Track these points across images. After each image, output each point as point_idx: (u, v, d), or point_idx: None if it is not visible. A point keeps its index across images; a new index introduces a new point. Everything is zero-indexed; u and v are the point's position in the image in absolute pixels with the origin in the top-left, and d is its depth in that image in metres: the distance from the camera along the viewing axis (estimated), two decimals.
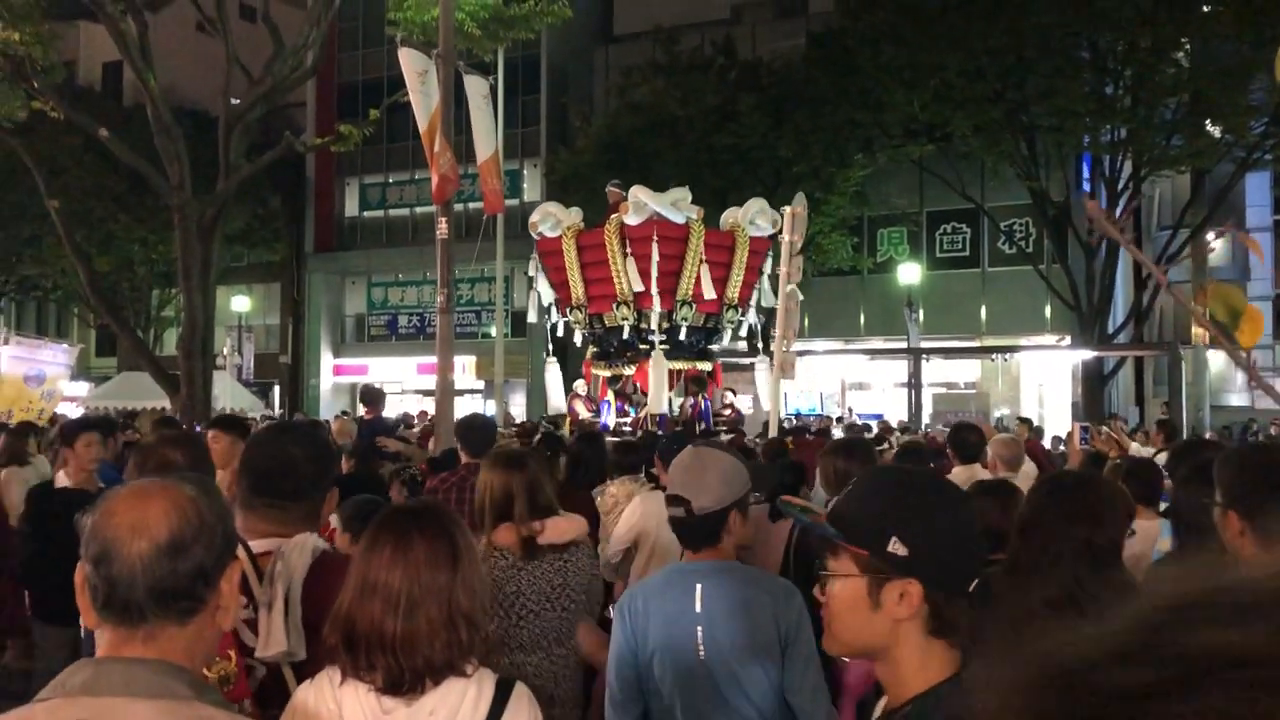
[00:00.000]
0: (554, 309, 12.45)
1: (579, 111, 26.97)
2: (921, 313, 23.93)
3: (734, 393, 13.11)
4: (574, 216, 12.08)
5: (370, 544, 2.06)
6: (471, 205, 25.41)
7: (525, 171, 30.71)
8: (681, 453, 2.82)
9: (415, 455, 8.06)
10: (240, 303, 28.91)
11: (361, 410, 11.10)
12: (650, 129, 23.05)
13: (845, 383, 27.11)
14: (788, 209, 8.82)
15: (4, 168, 21.21)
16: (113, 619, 1.47)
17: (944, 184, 23.08)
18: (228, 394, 20.21)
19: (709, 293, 11.40)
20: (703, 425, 11.00)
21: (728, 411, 12.31)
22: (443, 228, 9.30)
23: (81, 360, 23.28)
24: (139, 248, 28.34)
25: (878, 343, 26.04)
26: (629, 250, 11.23)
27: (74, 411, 19.96)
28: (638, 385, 11.79)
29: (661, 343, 11.45)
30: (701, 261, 11.39)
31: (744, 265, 11.88)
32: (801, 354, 13.44)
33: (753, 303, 12.34)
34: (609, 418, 11.43)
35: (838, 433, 12.68)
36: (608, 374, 12.00)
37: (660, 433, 8.92)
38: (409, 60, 8.84)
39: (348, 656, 1.98)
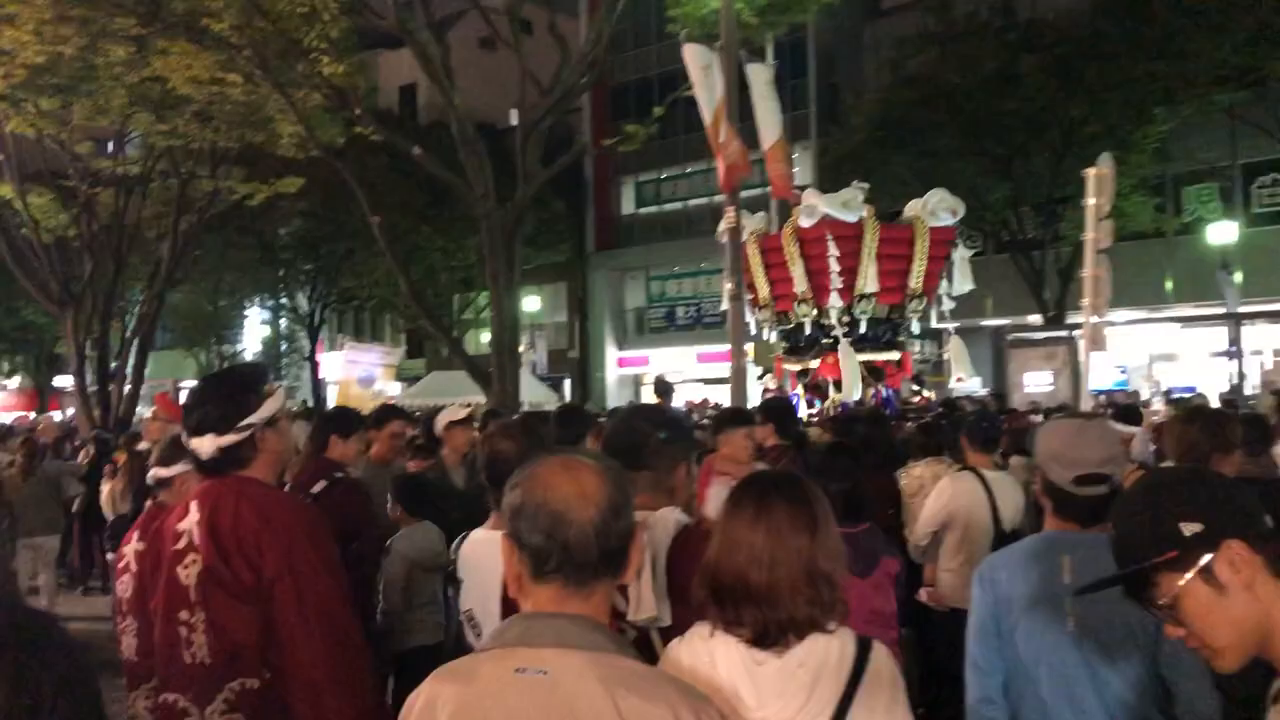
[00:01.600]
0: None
1: (850, 90, 26.50)
2: (1239, 275, 21.87)
3: (922, 383, 13.26)
4: (757, 222, 12.69)
5: (733, 506, 2.18)
6: (744, 194, 25.58)
7: (796, 155, 30.58)
8: (1068, 427, 2.74)
9: (709, 441, 8.26)
10: (531, 303, 30.50)
11: (655, 400, 11.64)
12: (925, 101, 22.29)
13: (1152, 355, 25.25)
14: (1091, 171, 8.41)
15: (323, 190, 23.36)
16: (560, 579, 1.65)
17: (1261, 132, 20.94)
18: (525, 388, 21.39)
19: (871, 285, 11.82)
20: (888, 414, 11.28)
21: (917, 399, 12.49)
22: (730, 216, 9.45)
23: None
24: (440, 256, 30.43)
25: (1187, 310, 24.06)
26: (803, 251, 11.79)
27: None
28: (826, 378, 12.25)
29: (845, 335, 11.96)
30: (878, 256, 11.79)
31: (926, 255, 12.17)
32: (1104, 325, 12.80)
33: (940, 291, 12.60)
34: (799, 409, 11.73)
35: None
36: (796, 368, 12.51)
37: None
38: (692, 55, 9.04)
39: (717, 609, 2.10)
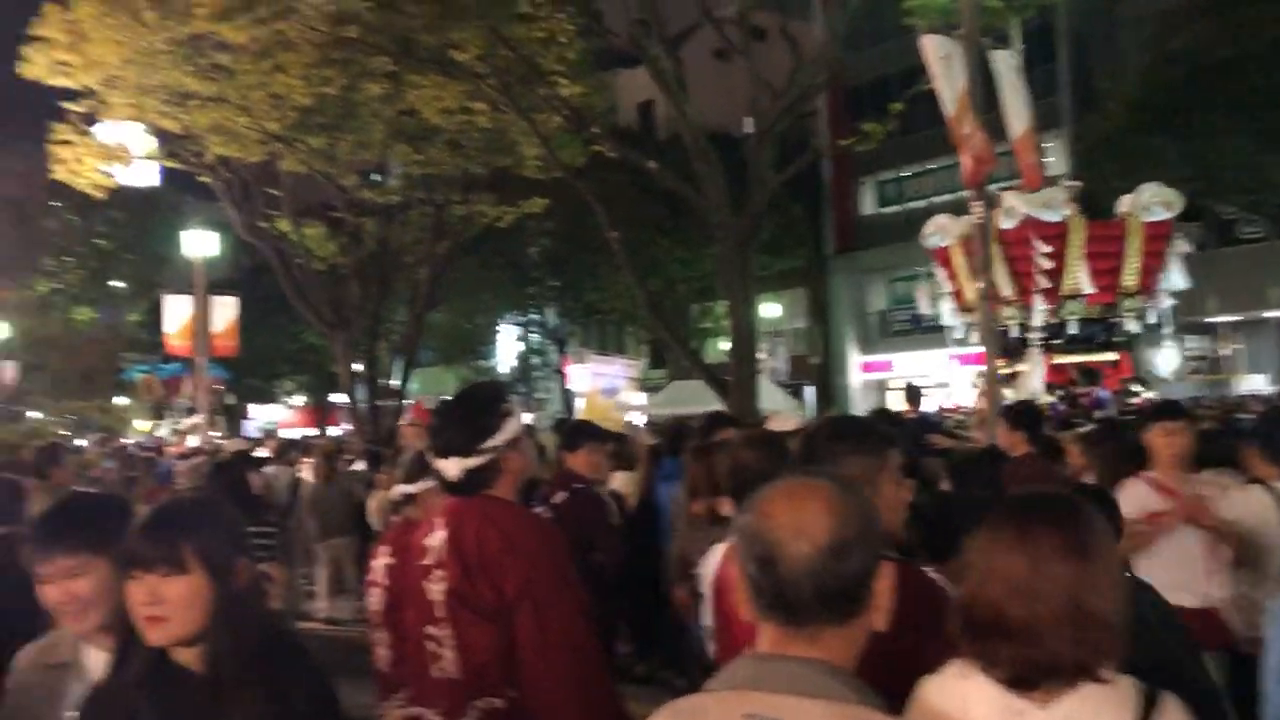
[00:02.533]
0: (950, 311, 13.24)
1: (1105, 72, 24.89)
2: None
3: (1143, 384, 12.55)
4: (961, 226, 12.34)
5: (992, 530, 1.98)
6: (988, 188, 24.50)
7: (1049, 145, 28.99)
8: None
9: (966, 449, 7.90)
10: (771, 309, 30.33)
11: (906, 407, 11.31)
12: (1193, 77, 20.61)
13: None
14: None
15: (567, 208, 24.13)
16: (778, 618, 1.53)
17: None
18: (765, 396, 21.23)
19: (1086, 287, 11.39)
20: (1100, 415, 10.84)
21: (1136, 400, 11.81)
22: (978, 211, 9.03)
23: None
24: (678, 267, 30.81)
25: None
26: (1006, 254, 11.48)
27: (639, 419, 22.18)
28: None
29: (1052, 338, 11.74)
30: (1085, 256, 11.42)
31: (1140, 252, 11.64)
32: None
33: (1160, 288, 12.03)
34: None
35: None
36: (1005, 371, 12.11)
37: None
38: (931, 46, 8.70)
39: (970, 644, 1.91)
